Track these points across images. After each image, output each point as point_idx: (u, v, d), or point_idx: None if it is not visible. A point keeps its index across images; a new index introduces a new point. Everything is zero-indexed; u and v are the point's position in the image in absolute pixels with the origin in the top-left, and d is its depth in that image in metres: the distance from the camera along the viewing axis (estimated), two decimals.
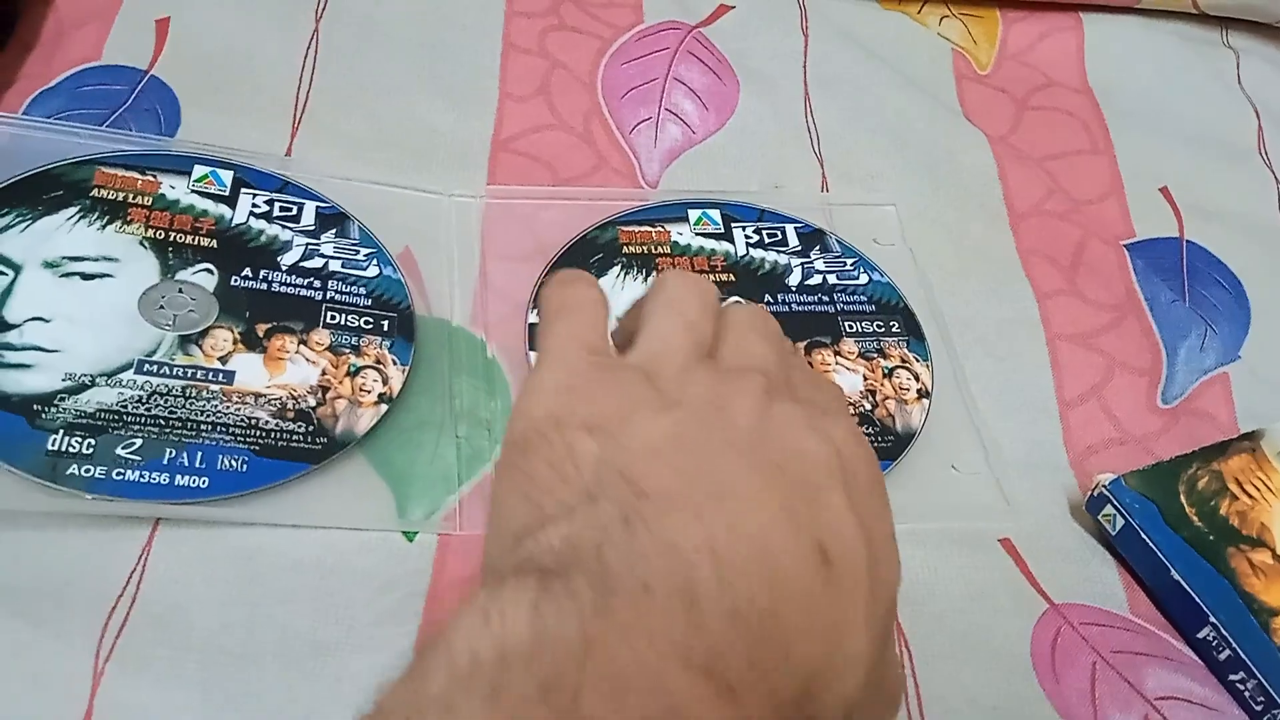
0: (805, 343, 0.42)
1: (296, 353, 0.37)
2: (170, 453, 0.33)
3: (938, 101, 0.54)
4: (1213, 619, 0.36)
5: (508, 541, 0.21)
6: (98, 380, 0.34)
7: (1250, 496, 0.39)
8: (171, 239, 0.39)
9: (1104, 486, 0.38)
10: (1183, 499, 0.38)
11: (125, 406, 0.34)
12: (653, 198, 0.46)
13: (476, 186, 0.45)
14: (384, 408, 0.36)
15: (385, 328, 0.38)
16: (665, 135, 0.50)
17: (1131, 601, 0.38)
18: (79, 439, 0.33)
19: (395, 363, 0.38)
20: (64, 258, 0.37)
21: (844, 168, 0.50)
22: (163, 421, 0.34)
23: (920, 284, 0.46)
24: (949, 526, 0.39)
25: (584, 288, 0.27)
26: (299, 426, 0.35)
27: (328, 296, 0.39)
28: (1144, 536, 0.37)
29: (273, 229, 0.40)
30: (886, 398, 0.41)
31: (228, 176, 0.41)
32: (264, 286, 0.38)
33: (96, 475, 0.33)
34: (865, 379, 0.41)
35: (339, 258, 0.40)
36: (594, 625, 0.18)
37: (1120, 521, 0.38)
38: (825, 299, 0.44)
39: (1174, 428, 0.43)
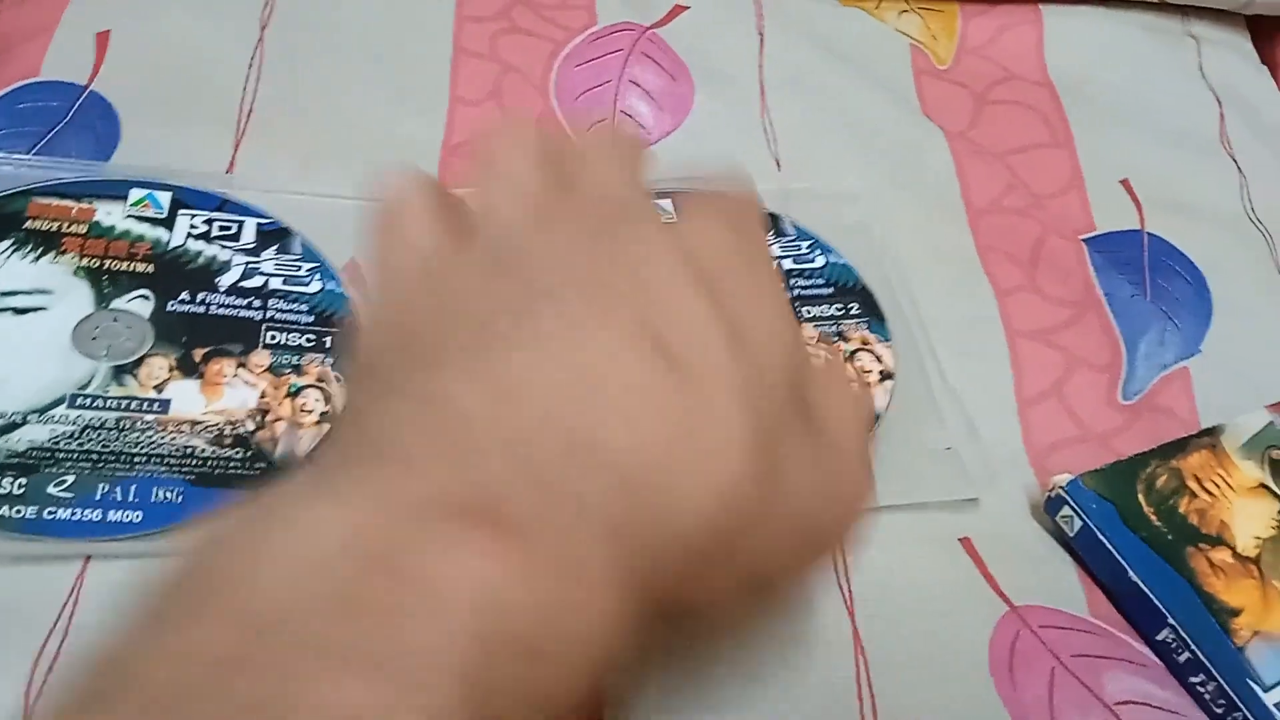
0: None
1: (235, 376, 0.36)
2: (103, 488, 0.33)
3: (896, 98, 0.53)
4: (1171, 620, 0.35)
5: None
6: (28, 418, 0.34)
7: (1210, 494, 0.38)
8: (106, 267, 0.38)
9: (1061, 488, 0.38)
10: (1141, 498, 0.38)
11: (57, 443, 0.33)
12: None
13: None
14: (325, 427, 0.36)
15: (328, 344, 0.38)
16: None
17: (1091, 603, 0.37)
18: (10, 479, 0.32)
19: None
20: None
21: (801, 167, 0.49)
22: (95, 456, 0.33)
23: (878, 262, 0.45)
24: (913, 520, 0.38)
25: (395, 190, 0.26)
26: (236, 453, 0.34)
27: (268, 316, 0.38)
28: (1101, 538, 0.37)
29: (211, 249, 0.39)
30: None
31: (165, 198, 0.40)
32: (201, 309, 0.37)
33: (27, 516, 0.32)
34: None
35: (280, 274, 0.39)
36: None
37: (1078, 523, 0.37)
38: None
39: (1135, 424, 0.42)
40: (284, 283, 0.39)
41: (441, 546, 0.17)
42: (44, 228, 0.38)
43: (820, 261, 0.44)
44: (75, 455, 0.33)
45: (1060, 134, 0.53)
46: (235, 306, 0.38)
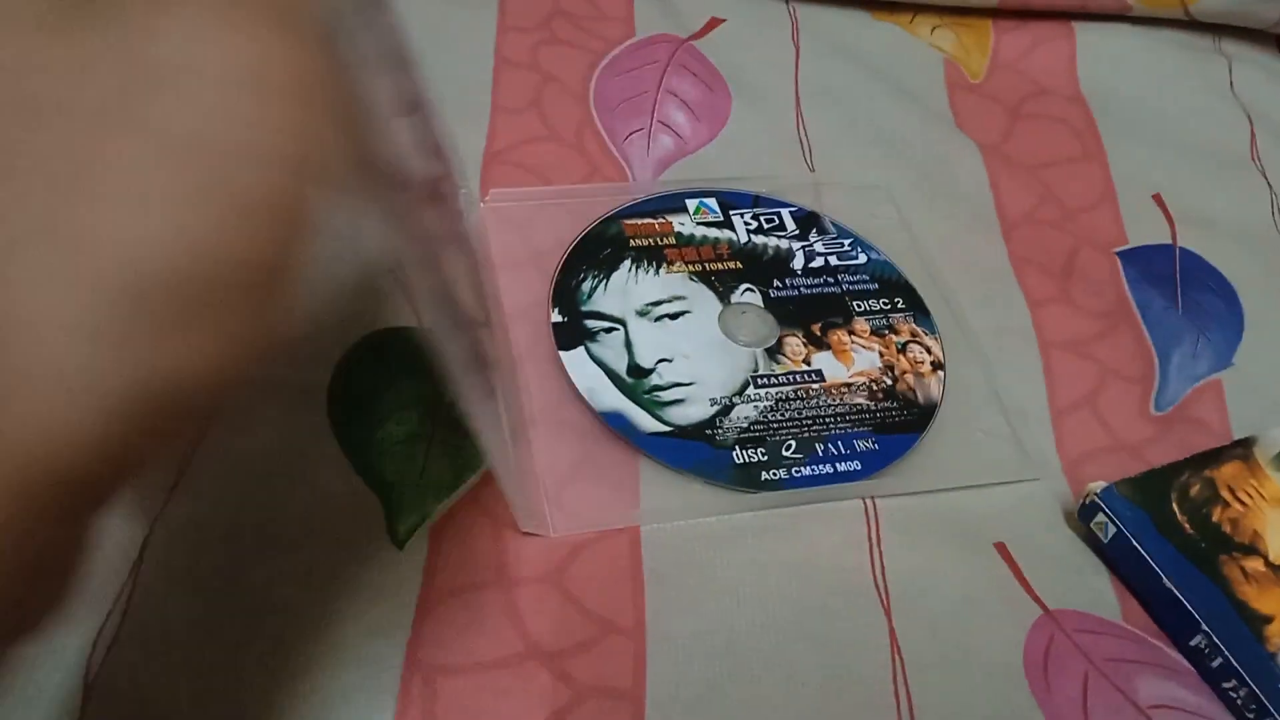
0: (820, 324, 0.43)
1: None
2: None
3: (930, 111, 0.54)
4: (1204, 627, 0.36)
5: None
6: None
7: (1243, 504, 0.39)
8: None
9: (1095, 495, 0.38)
10: (1175, 506, 0.38)
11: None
12: (641, 193, 0.47)
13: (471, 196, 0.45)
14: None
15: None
16: (657, 145, 0.50)
17: (1124, 609, 0.38)
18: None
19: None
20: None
21: (835, 179, 0.50)
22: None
23: (918, 257, 0.47)
24: (949, 524, 0.39)
25: None
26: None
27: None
28: (1135, 544, 0.37)
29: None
30: (905, 372, 0.42)
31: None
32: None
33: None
34: (881, 355, 0.43)
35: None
36: None
37: (1112, 529, 0.38)
38: (830, 280, 0.45)
39: (1167, 435, 0.43)
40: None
41: None
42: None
43: (863, 258, 0.46)
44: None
45: (1092, 148, 0.54)
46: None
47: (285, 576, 0.33)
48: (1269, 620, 0.36)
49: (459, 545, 0.35)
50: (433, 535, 0.35)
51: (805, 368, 0.41)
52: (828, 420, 0.40)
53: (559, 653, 0.33)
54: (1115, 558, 0.38)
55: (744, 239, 0.45)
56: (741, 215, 0.46)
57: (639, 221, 0.45)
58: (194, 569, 0.33)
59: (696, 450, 0.38)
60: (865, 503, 0.39)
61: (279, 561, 0.34)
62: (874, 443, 0.40)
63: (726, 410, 0.39)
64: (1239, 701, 0.35)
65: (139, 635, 0.32)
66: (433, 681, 0.32)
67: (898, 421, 0.40)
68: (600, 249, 0.44)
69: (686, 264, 0.44)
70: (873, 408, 0.40)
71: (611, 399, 0.39)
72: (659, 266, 0.43)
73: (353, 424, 0.37)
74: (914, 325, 0.44)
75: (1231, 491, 0.39)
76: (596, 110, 0.50)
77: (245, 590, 0.33)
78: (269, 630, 0.32)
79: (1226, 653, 0.35)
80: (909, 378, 0.42)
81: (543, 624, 0.34)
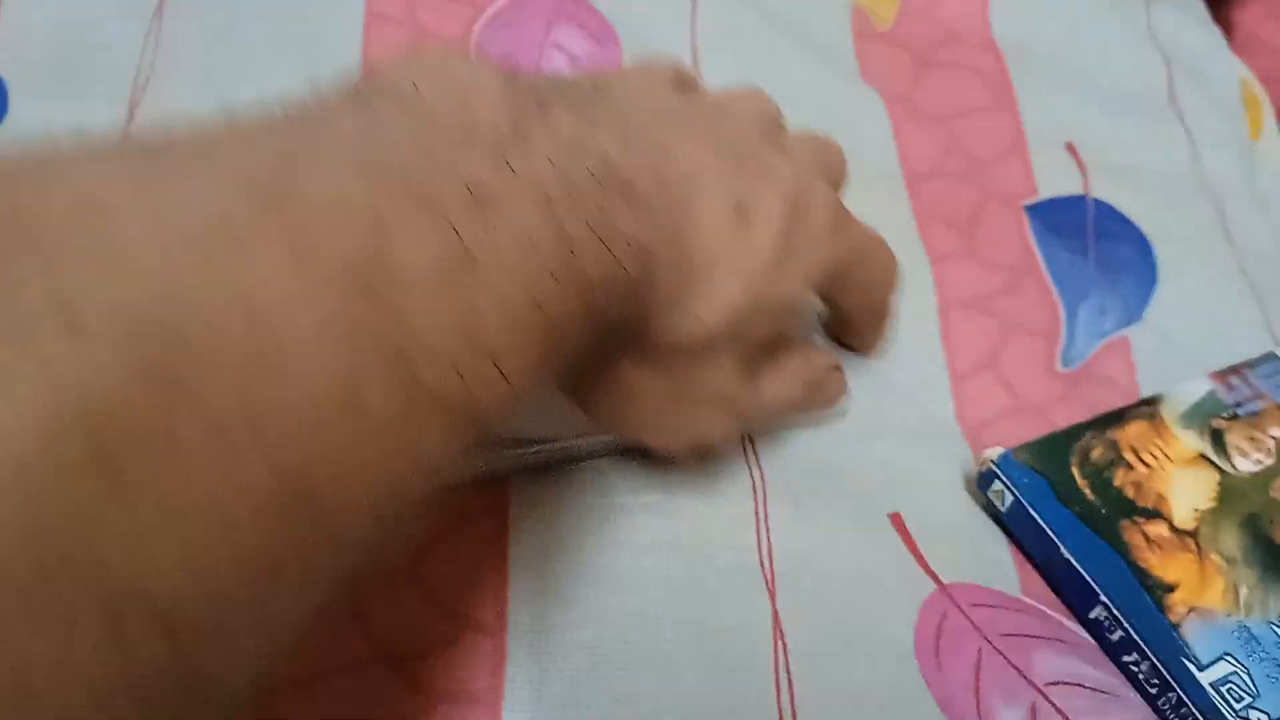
0: None
1: None
2: None
3: (835, 61, 0.51)
4: (1103, 598, 0.34)
5: None
6: None
7: (1147, 466, 0.37)
8: None
9: (991, 462, 0.36)
10: (1075, 471, 0.36)
11: None
12: None
13: None
14: None
15: None
16: None
17: (1024, 581, 0.36)
18: None
19: None
20: None
21: None
22: None
23: None
24: (841, 495, 0.37)
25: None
26: None
27: None
28: (1032, 513, 0.35)
29: None
30: None
31: None
32: None
33: None
34: None
35: None
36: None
37: (1009, 498, 0.36)
38: None
39: (1073, 394, 0.41)
40: None
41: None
42: None
43: None
44: None
45: (1004, 97, 0.51)
46: None
47: None
48: (1172, 588, 0.34)
49: None
50: None
51: None
52: None
53: (409, 656, 0.31)
54: (1013, 527, 0.36)
55: None
56: None
57: None
58: None
59: None
60: (753, 475, 0.36)
61: None
62: None
63: None
64: (1140, 676, 0.33)
65: None
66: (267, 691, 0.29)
67: None
68: None
69: None
70: None
71: None
72: None
73: None
74: None
75: (1135, 453, 0.37)
76: None
77: None
78: None
79: (1126, 624, 0.33)
80: None
81: (393, 625, 0.31)
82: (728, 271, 0.27)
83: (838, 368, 0.37)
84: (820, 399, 0.36)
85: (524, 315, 0.20)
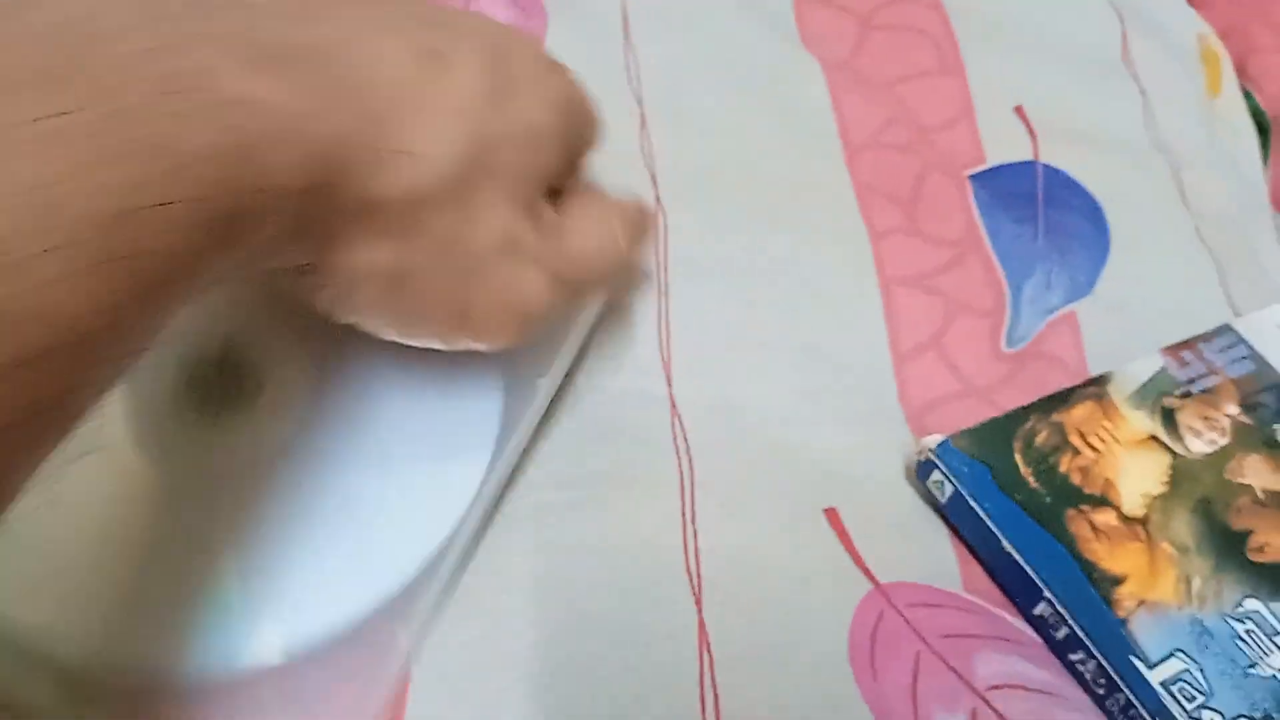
0: None
1: None
2: None
3: (773, 27, 0.49)
4: (1048, 593, 0.32)
5: None
6: None
7: (1094, 449, 0.35)
8: None
9: (930, 450, 0.34)
10: (1018, 458, 0.34)
11: None
12: None
13: None
14: None
15: None
16: None
17: (965, 577, 0.34)
18: None
19: None
20: None
21: (667, 106, 0.45)
22: None
23: None
24: (773, 488, 0.35)
25: None
26: None
27: None
28: (972, 503, 0.33)
29: None
30: None
31: None
32: None
33: None
34: None
35: None
36: None
37: (949, 488, 0.34)
38: None
39: (1019, 375, 0.39)
40: None
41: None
42: None
43: None
44: None
45: (950, 60, 0.49)
46: None
47: None
48: (1120, 581, 0.32)
49: None
50: None
51: None
52: None
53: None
54: (954, 519, 0.34)
55: None
56: None
57: None
58: None
59: None
60: (681, 468, 0.34)
61: None
62: None
63: None
64: (1087, 675, 0.31)
65: None
66: None
67: None
68: None
69: None
70: None
71: None
72: None
73: None
74: None
75: (1082, 436, 0.35)
76: None
77: None
78: None
79: (1071, 621, 0.31)
80: None
81: None
82: (434, 110, 0.26)
83: (644, 204, 0.34)
84: (637, 235, 0.33)
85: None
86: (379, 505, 0.31)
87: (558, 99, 0.30)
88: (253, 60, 0.22)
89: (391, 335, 0.29)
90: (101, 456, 0.29)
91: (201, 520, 0.29)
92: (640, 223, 0.34)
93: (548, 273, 0.29)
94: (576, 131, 0.31)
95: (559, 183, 0.30)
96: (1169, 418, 0.36)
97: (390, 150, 0.25)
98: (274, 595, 0.29)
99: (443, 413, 0.33)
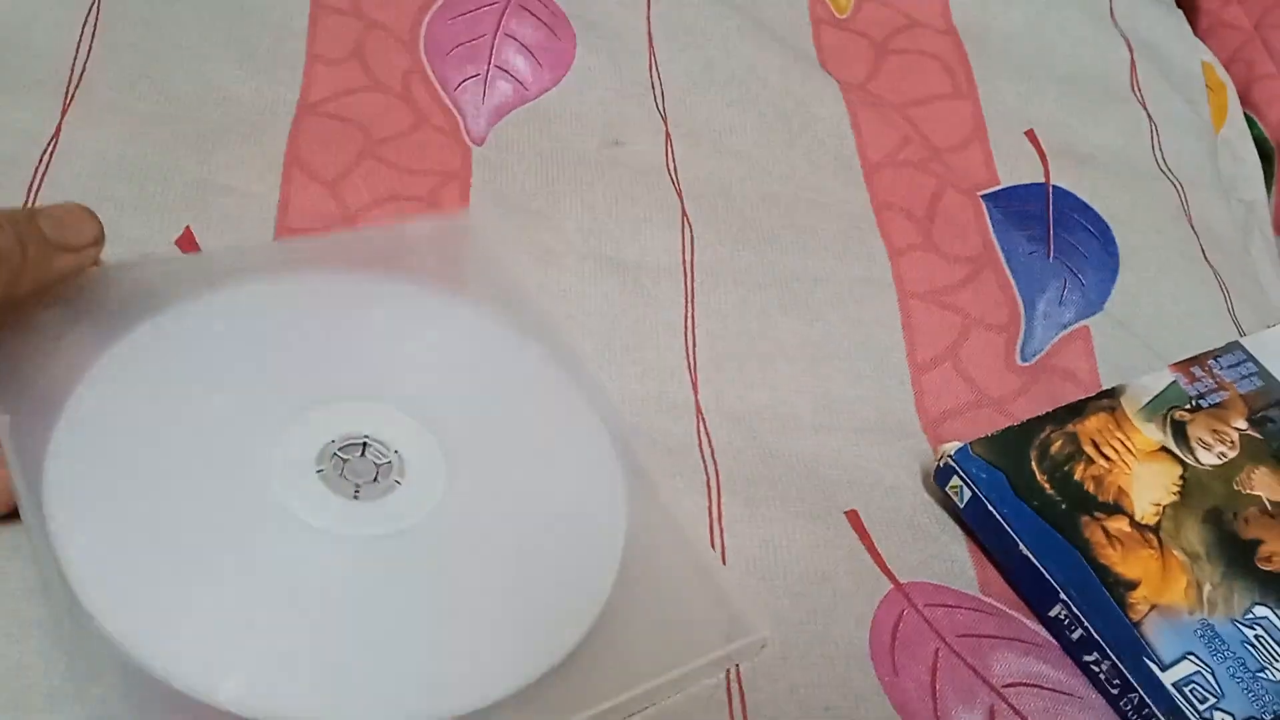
0: None
1: None
2: None
3: (792, 49, 0.50)
4: (1063, 596, 0.33)
5: None
6: None
7: (1107, 459, 0.36)
8: None
9: (949, 456, 0.35)
10: (1034, 465, 0.35)
11: None
12: None
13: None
14: None
15: None
16: (494, 92, 0.46)
17: (982, 579, 0.35)
18: None
19: None
20: None
21: (689, 123, 0.47)
22: None
23: None
24: (798, 493, 0.36)
25: None
26: None
27: None
28: (990, 508, 0.34)
29: None
30: None
31: None
32: None
33: None
34: None
35: None
36: None
37: (967, 493, 0.35)
38: None
39: (1033, 387, 0.40)
40: None
41: None
42: None
43: None
44: None
45: (963, 84, 0.51)
46: None
47: None
48: (1133, 586, 0.33)
49: None
50: None
51: None
52: None
53: None
54: (971, 523, 0.35)
55: None
56: None
57: None
58: None
59: None
60: (707, 471, 0.35)
61: None
62: None
63: None
64: (1102, 676, 0.32)
65: None
66: None
67: None
68: None
69: None
70: None
71: None
72: None
73: None
74: None
75: (1096, 446, 0.36)
76: (427, 57, 0.46)
77: None
78: None
79: (1086, 623, 0.32)
80: None
81: None
82: None
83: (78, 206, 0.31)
84: (69, 233, 0.31)
85: None
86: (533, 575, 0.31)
87: None
88: None
89: None
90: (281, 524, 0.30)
91: (379, 591, 0.30)
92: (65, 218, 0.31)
93: None
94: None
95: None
96: (1179, 430, 0.37)
97: None
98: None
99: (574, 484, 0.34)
